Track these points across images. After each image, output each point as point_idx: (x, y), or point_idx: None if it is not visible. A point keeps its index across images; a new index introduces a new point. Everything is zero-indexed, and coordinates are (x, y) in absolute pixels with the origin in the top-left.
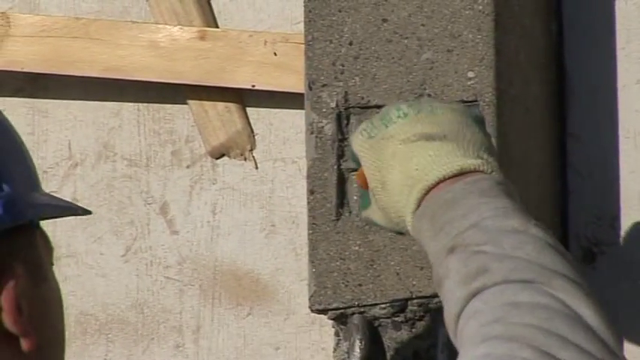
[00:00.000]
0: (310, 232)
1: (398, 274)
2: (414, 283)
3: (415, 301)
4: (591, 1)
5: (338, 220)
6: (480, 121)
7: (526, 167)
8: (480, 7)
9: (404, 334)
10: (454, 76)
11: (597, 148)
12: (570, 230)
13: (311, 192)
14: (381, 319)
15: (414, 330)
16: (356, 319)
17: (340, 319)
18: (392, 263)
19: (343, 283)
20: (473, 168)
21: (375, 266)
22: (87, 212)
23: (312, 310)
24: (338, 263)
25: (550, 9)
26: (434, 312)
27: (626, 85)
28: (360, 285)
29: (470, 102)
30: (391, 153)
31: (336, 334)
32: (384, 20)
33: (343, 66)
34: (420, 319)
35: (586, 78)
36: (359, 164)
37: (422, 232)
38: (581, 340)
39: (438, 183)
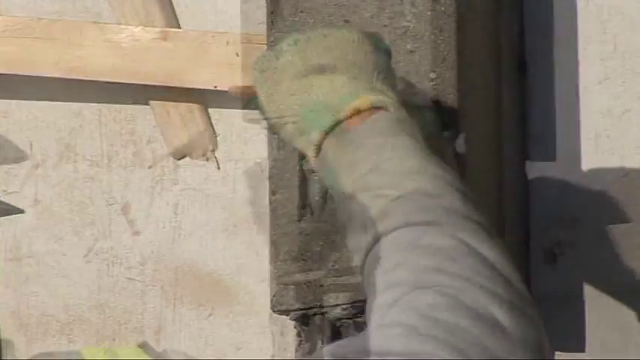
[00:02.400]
0: (272, 232)
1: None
2: None
3: None
4: (552, 2)
5: (300, 221)
6: (385, 51)
7: (487, 169)
8: (442, 8)
9: None
10: (415, 77)
11: (558, 149)
12: (532, 231)
13: (273, 193)
14: (343, 320)
15: None
16: (318, 320)
17: (302, 320)
18: (354, 264)
19: (305, 284)
20: (367, 106)
21: (336, 267)
22: (19, 211)
23: (274, 311)
24: (300, 264)
25: (512, 10)
26: None
27: (587, 87)
28: (321, 286)
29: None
30: (286, 89)
31: (298, 335)
32: (346, 21)
33: None
34: None
35: (547, 79)
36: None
37: (325, 177)
38: (484, 280)
39: (334, 126)
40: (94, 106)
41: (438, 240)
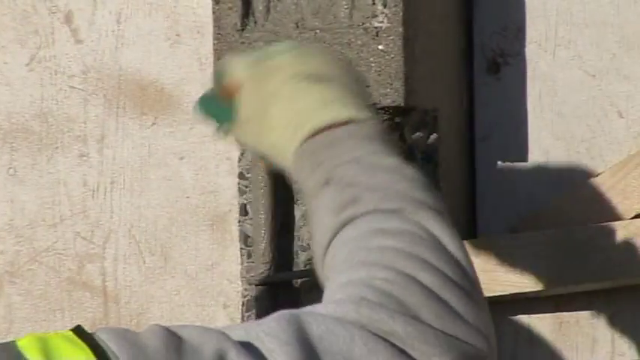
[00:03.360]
0: (215, 42)
1: None
2: None
3: None
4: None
5: (243, 30)
6: (362, 80)
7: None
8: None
9: None
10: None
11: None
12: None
13: (216, 1)
14: None
15: None
16: None
17: None
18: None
19: None
20: (360, 119)
21: None
22: None
23: None
24: None
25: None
26: None
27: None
28: None
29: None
30: (276, 87)
31: None
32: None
33: None
34: None
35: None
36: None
37: (301, 171)
38: (443, 265)
39: (325, 128)
40: None
41: (402, 225)
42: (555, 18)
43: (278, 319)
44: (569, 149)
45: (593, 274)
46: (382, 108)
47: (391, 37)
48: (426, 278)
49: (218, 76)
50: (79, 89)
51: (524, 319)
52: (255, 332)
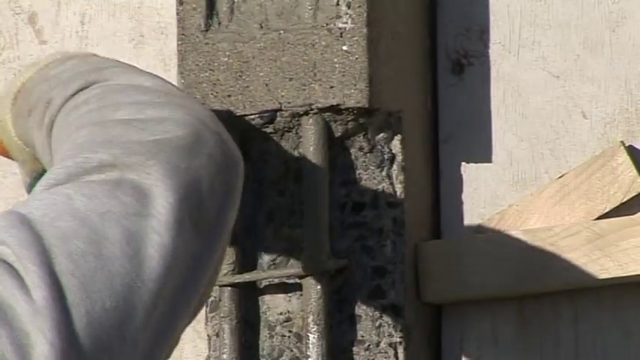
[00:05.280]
0: (179, 42)
1: (267, 85)
2: (283, 94)
3: (284, 112)
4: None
5: (207, 30)
6: None
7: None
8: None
9: (272, 145)
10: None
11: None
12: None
13: (180, 2)
14: (250, 132)
15: (282, 141)
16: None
17: None
18: (261, 74)
19: (212, 94)
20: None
21: (244, 77)
22: None
23: None
24: (207, 74)
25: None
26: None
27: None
28: (229, 96)
29: None
30: None
31: None
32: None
33: None
34: (288, 131)
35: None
36: None
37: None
38: (138, 97)
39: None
40: None
41: (91, 92)
42: (519, 19)
43: None
44: (533, 150)
45: (557, 276)
46: (346, 109)
47: (355, 38)
48: (123, 115)
49: None
50: None
51: (488, 319)
52: None
